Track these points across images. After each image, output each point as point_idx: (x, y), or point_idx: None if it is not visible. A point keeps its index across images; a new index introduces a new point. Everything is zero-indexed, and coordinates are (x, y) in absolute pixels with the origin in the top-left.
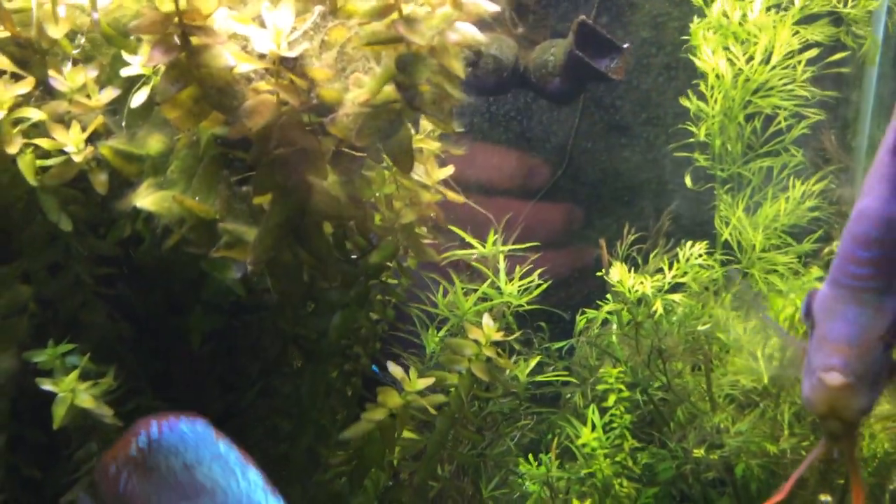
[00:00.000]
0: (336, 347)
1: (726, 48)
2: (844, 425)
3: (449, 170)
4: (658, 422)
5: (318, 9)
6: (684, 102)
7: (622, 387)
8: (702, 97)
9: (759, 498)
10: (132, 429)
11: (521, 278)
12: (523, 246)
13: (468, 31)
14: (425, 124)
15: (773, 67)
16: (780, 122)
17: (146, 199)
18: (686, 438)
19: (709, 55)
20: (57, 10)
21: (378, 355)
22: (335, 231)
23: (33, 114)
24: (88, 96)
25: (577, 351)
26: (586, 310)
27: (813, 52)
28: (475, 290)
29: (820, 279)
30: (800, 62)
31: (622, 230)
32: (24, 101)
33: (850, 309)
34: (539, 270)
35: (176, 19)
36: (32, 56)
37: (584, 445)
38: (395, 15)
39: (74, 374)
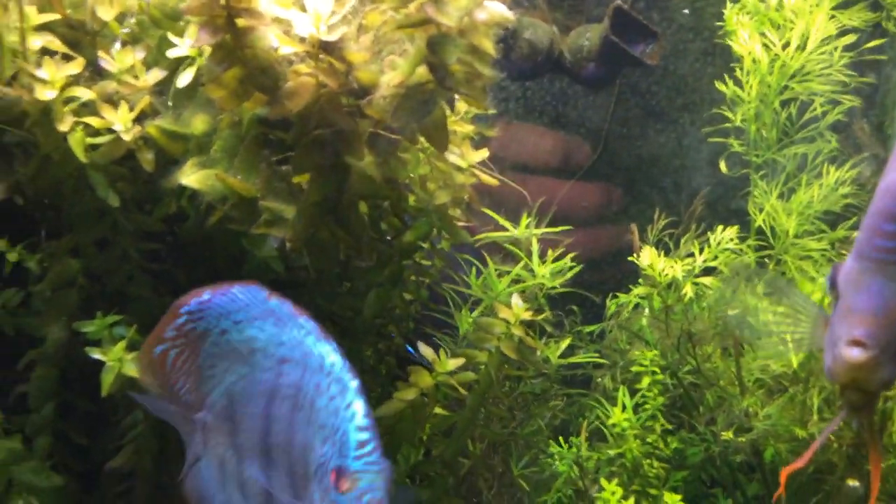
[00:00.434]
0: (370, 326)
1: (762, 33)
2: (865, 396)
3: (483, 153)
4: (688, 405)
5: None
6: (720, 87)
7: (657, 369)
8: (738, 83)
9: (789, 481)
10: (176, 303)
11: (555, 260)
12: (556, 229)
13: (496, 10)
14: (460, 107)
15: (810, 53)
16: (815, 109)
17: (191, 176)
18: (715, 422)
19: (745, 40)
20: None
21: (411, 335)
22: (370, 211)
23: (83, 93)
24: (136, 77)
25: (608, 334)
26: (619, 294)
27: (850, 38)
28: (508, 272)
29: None
30: (836, 48)
31: (656, 215)
32: (74, 81)
33: (875, 281)
34: (571, 254)
35: (223, 1)
36: (83, 38)
37: (613, 426)
38: None
39: (122, 344)
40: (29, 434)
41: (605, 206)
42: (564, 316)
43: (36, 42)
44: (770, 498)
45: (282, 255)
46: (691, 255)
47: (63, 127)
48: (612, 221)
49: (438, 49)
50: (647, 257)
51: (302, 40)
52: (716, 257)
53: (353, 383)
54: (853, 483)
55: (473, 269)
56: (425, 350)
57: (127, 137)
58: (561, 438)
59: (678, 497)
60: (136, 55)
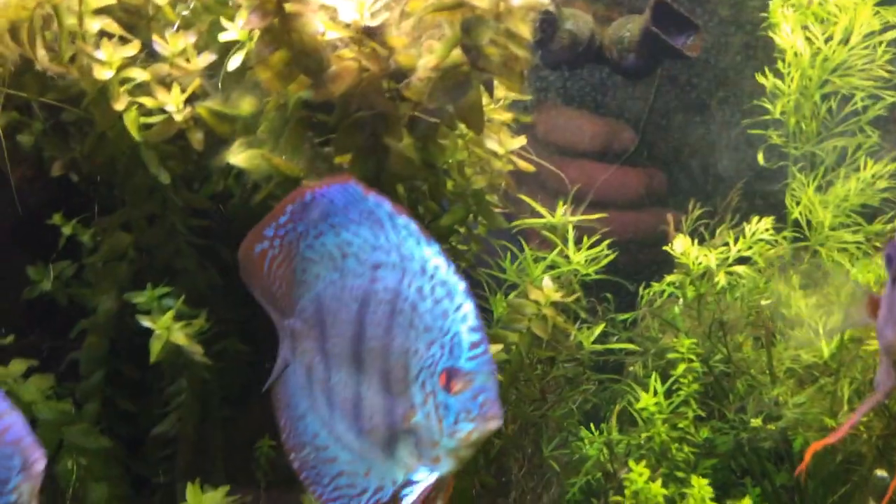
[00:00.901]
0: None
1: (805, 27)
2: None
3: (521, 140)
4: (718, 394)
5: None
6: (760, 80)
7: (693, 357)
8: (779, 76)
9: (817, 471)
10: (280, 204)
11: (590, 247)
12: (593, 216)
13: None
14: (498, 94)
15: (852, 48)
16: (856, 103)
17: (238, 156)
18: (745, 410)
19: (788, 33)
20: None
21: None
22: (409, 194)
23: (138, 75)
24: (188, 60)
25: (641, 322)
26: (653, 282)
27: (894, 34)
28: (544, 258)
29: None
30: (880, 43)
31: (691, 205)
32: (130, 62)
33: None
34: (607, 241)
35: None
36: (139, 21)
37: (643, 410)
38: None
39: (170, 314)
40: (79, 399)
41: (648, 190)
42: (598, 303)
43: (94, 25)
44: (799, 488)
45: None
46: (726, 244)
47: (119, 106)
48: (654, 206)
49: (472, 31)
50: (681, 246)
51: (346, 26)
52: (750, 247)
53: (461, 285)
54: (882, 473)
55: (509, 254)
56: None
57: (178, 118)
58: (592, 425)
59: (705, 481)
60: (189, 39)
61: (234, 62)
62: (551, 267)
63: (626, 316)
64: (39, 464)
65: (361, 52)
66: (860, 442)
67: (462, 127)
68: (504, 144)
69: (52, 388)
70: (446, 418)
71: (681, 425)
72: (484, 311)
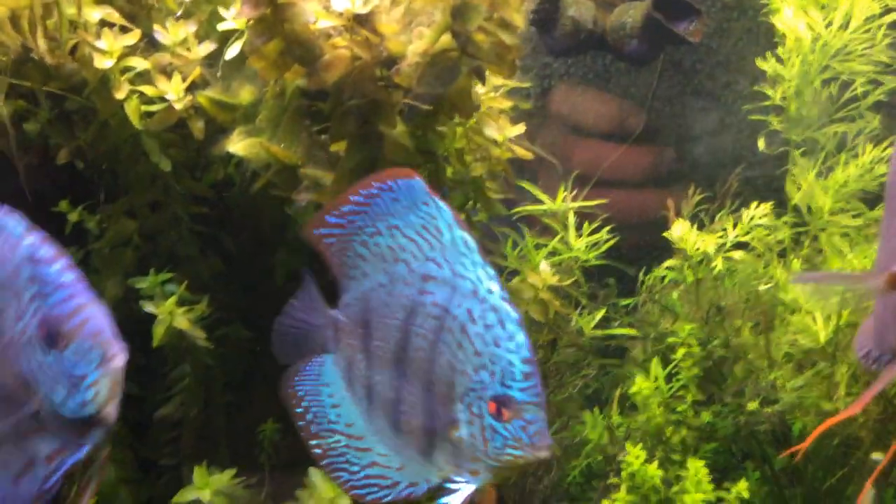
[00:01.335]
0: None
1: (806, 12)
2: None
3: (520, 128)
4: (717, 378)
5: None
6: (761, 65)
7: (693, 342)
8: (780, 61)
9: (815, 454)
10: (347, 192)
11: (595, 231)
12: (593, 202)
13: None
14: (496, 82)
15: (853, 32)
16: (856, 88)
17: (237, 144)
18: (743, 394)
19: (788, 18)
20: None
21: None
22: None
23: (139, 64)
24: (188, 49)
25: (642, 307)
26: (655, 267)
27: (894, 17)
28: (546, 245)
29: None
30: (880, 27)
31: (691, 191)
32: (131, 51)
33: None
34: (607, 227)
35: None
36: (139, 11)
37: (637, 394)
38: None
39: (173, 300)
40: None
41: (659, 168)
42: (600, 288)
43: (95, 14)
44: (798, 471)
45: None
46: (724, 229)
47: (120, 95)
48: (664, 184)
49: (460, 17)
50: (680, 231)
51: (339, 14)
52: (748, 232)
53: (514, 314)
54: (879, 456)
55: (510, 241)
56: None
57: (179, 106)
58: (597, 409)
59: (701, 463)
60: (189, 28)
61: (232, 51)
62: (553, 254)
63: (627, 301)
64: (119, 358)
65: (353, 40)
66: (858, 425)
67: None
68: (503, 132)
69: None
70: (493, 441)
71: (679, 409)
72: None
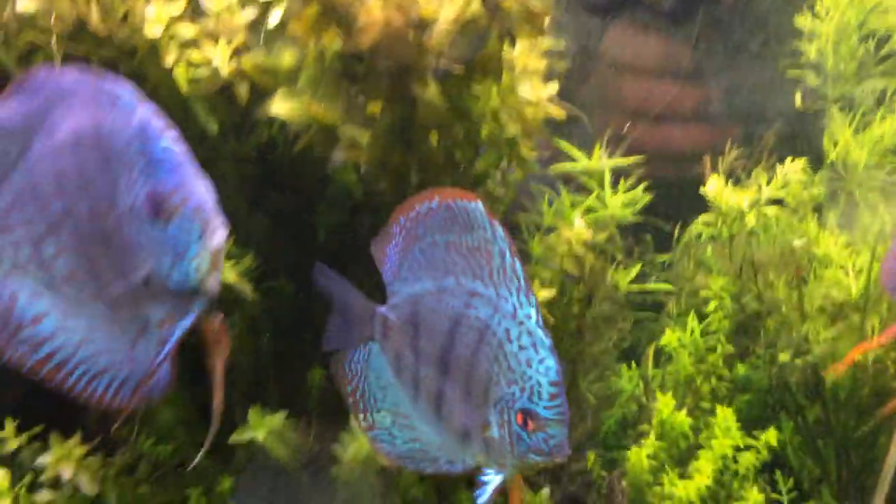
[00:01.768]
0: None
1: None
2: None
3: (553, 87)
4: (750, 331)
5: None
6: (799, 21)
7: (725, 295)
8: (817, 17)
9: (846, 405)
10: (410, 200)
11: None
12: (627, 160)
13: None
14: (531, 43)
15: None
16: (893, 44)
17: (280, 107)
18: (776, 346)
19: None
20: None
21: None
22: (443, 141)
23: (186, 30)
24: (232, 15)
25: (677, 263)
26: (691, 221)
27: None
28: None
29: None
30: None
31: (727, 147)
32: (178, 19)
33: None
34: (643, 185)
35: None
36: None
37: (667, 345)
38: None
39: None
40: None
41: (706, 105)
42: (637, 244)
43: None
44: (830, 422)
45: (361, 181)
46: (759, 186)
47: (169, 61)
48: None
49: None
50: (715, 186)
51: None
52: (783, 187)
53: (547, 340)
54: None
55: (546, 198)
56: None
57: (224, 71)
58: (633, 362)
59: (730, 410)
60: None
61: (274, 17)
62: (590, 211)
63: (664, 257)
64: (219, 233)
65: (387, 5)
66: (888, 376)
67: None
68: (537, 91)
69: None
70: (518, 446)
71: (709, 359)
72: (522, 254)
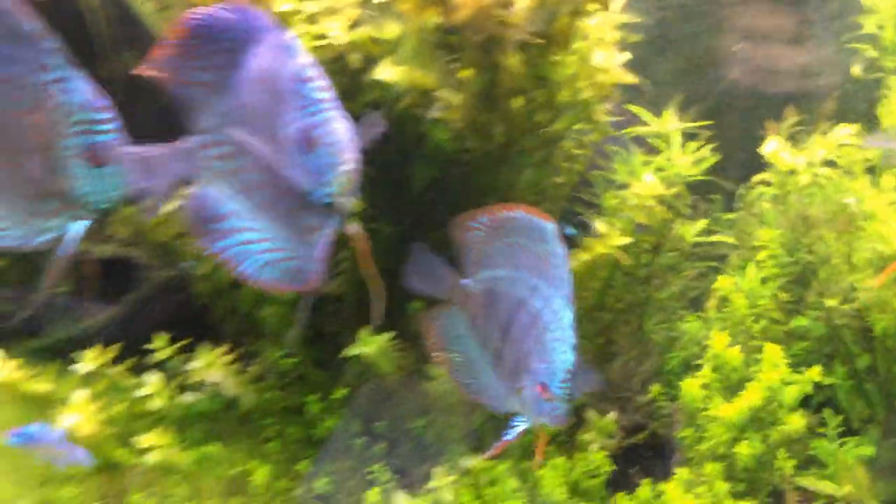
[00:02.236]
0: (525, 199)
1: None
2: None
3: (626, 56)
4: (802, 281)
5: None
6: None
7: (777, 245)
8: None
9: (894, 351)
10: (497, 206)
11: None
12: (698, 124)
13: None
14: (606, 17)
15: None
16: None
17: (386, 72)
18: (825, 294)
19: None
20: None
21: (565, 214)
22: (525, 104)
23: (310, 6)
24: None
25: (741, 220)
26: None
27: None
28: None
29: None
30: None
31: (790, 114)
32: None
33: None
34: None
35: None
36: None
37: (721, 289)
38: None
39: None
40: None
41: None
42: (705, 203)
43: None
44: (878, 368)
45: (452, 140)
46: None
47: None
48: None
49: None
50: (774, 146)
51: None
52: (837, 149)
53: (573, 340)
54: None
55: (619, 157)
56: (600, 226)
57: (341, 42)
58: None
59: (778, 347)
60: None
61: None
62: (660, 170)
63: (729, 216)
64: (349, 164)
65: None
66: None
67: (573, 45)
68: (611, 60)
69: None
70: (535, 410)
71: (760, 303)
72: (596, 207)
